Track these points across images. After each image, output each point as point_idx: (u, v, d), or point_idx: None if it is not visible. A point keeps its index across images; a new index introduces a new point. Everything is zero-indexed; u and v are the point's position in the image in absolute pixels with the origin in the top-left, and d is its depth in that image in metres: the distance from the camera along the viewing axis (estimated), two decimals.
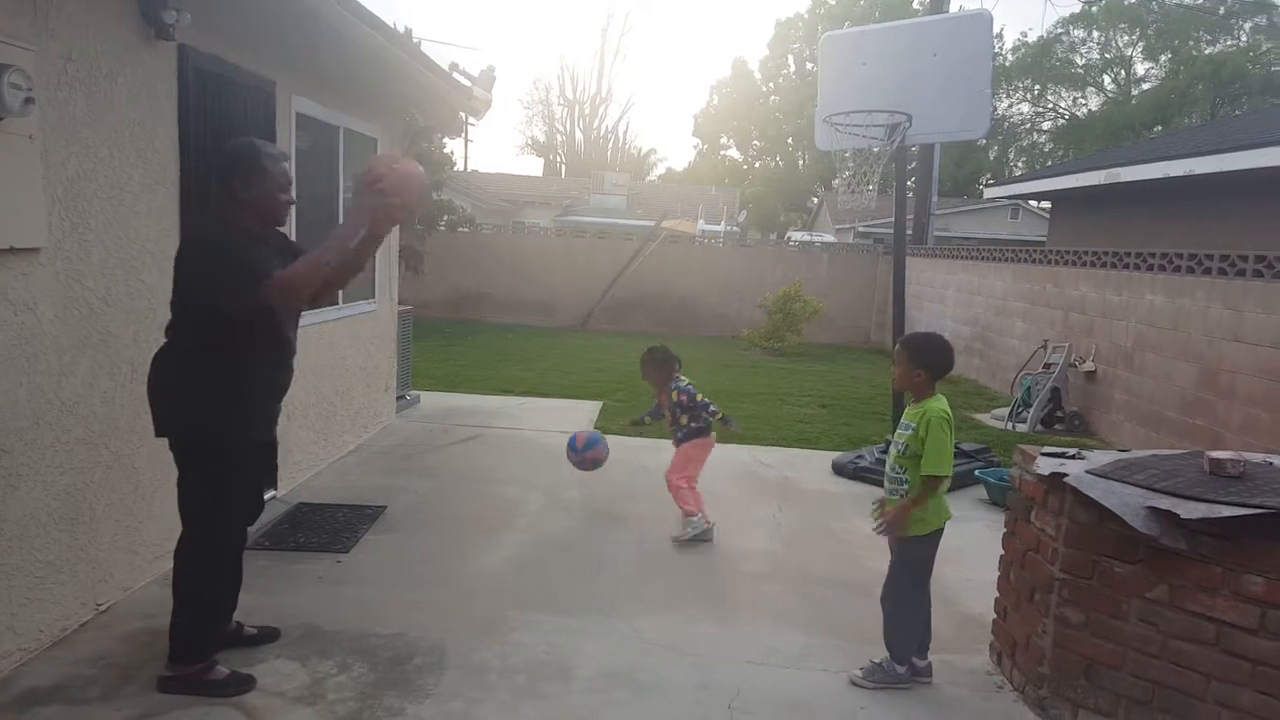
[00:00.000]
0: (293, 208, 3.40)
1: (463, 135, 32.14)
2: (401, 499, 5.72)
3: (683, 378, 5.53)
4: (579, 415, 8.61)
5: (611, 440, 7.73)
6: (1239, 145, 9.84)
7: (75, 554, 3.63)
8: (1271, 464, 3.41)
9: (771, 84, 47.41)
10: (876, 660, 3.66)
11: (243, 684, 3.30)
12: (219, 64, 4.53)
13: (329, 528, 5.08)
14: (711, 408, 5.44)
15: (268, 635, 3.68)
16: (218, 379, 3.14)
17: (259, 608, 3.84)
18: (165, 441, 3.26)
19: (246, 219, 3.23)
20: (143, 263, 3.96)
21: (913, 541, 3.60)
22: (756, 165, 48.80)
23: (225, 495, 3.27)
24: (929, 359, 3.61)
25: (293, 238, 5.40)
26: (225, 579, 3.43)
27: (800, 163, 46.05)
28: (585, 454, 5.66)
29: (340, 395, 6.53)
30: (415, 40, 9.18)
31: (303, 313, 3.62)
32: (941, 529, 3.63)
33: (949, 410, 3.55)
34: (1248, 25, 34.17)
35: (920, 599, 3.70)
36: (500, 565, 4.77)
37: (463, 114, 10.09)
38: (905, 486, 3.56)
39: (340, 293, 6.39)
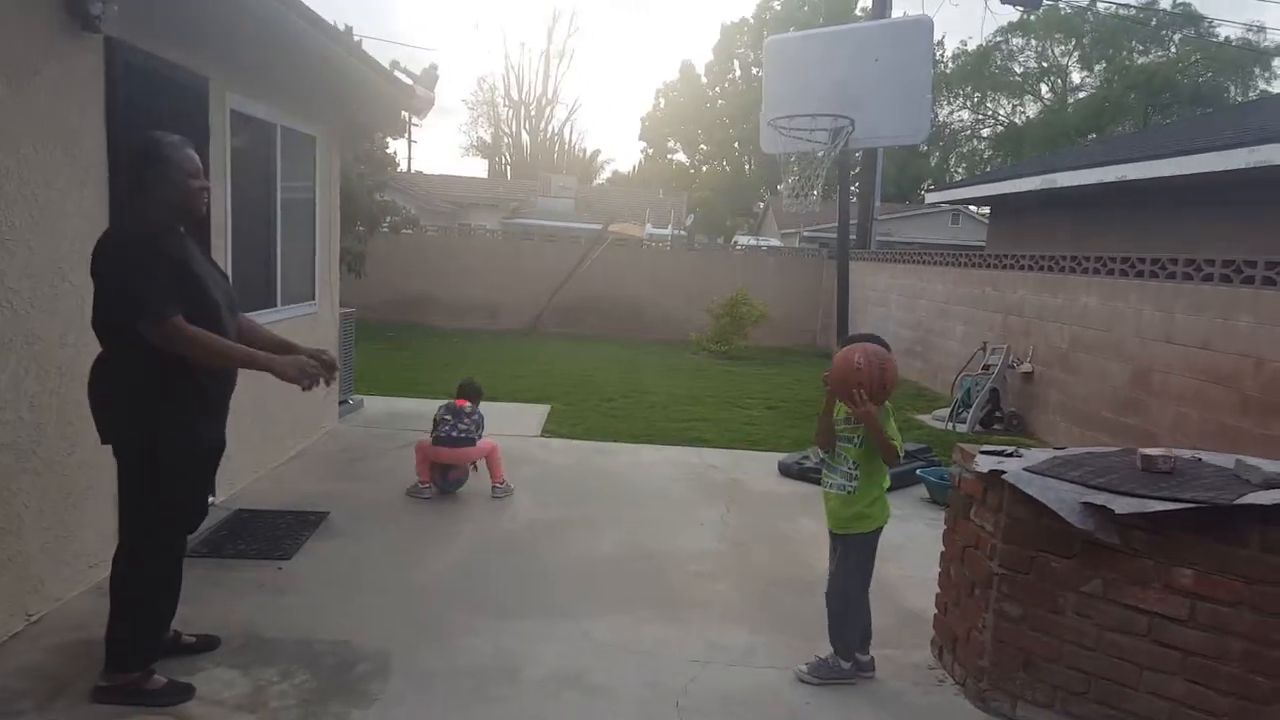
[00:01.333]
0: (206, 194, 3.28)
1: (406, 135, 31.86)
2: (344, 505, 5.62)
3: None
4: (527, 419, 8.55)
5: (560, 443, 7.78)
6: (1169, 152, 10.15)
7: (3, 564, 3.51)
8: (1200, 460, 3.52)
9: (718, 88, 47.72)
10: (822, 656, 3.70)
11: (181, 693, 3.23)
12: (149, 59, 4.41)
13: (270, 534, 4.98)
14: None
15: (207, 644, 3.60)
16: (158, 385, 3.06)
17: (198, 616, 3.74)
18: (98, 448, 3.17)
19: (164, 214, 3.14)
20: (70, 263, 3.84)
21: (859, 538, 3.65)
22: (704, 169, 49.07)
23: (169, 504, 3.19)
24: None
25: (228, 234, 5.34)
26: (165, 587, 3.35)
27: (747, 167, 46.45)
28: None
29: (280, 399, 6.39)
30: (356, 38, 9.07)
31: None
32: (884, 526, 3.68)
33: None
34: (1177, 37, 35.36)
35: (865, 595, 3.74)
36: (446, 570, 4.72)
37: (405, 113, 9.99)
38: (857, 483, 3.60)
39: (279, 293, 6.29)
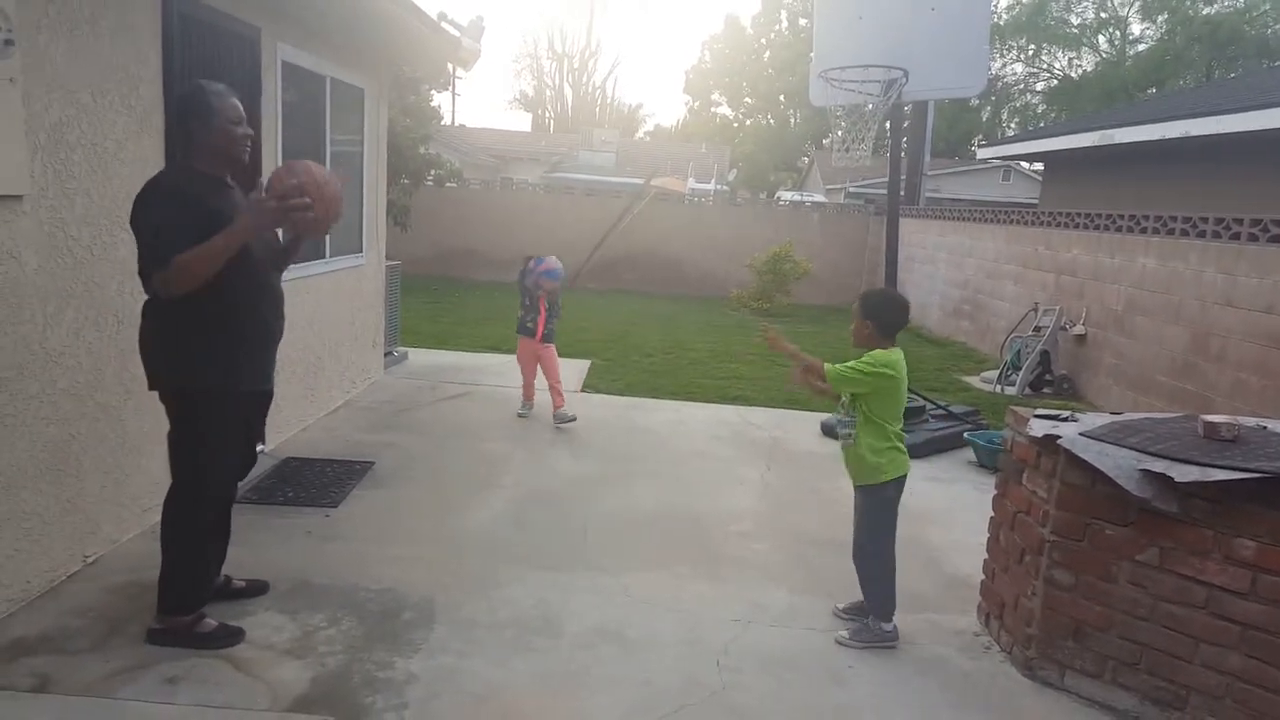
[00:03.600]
0: (249, 141, 3.25)
1: (450, 88, 31.67)
2: (390, 455, 5.69)
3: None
4: (567, 373, 8.55)
5: (600, 399, 7.80)
6: (1235, 107, 9.78)
7: (62, 506, 3.60)
8: (1266, 428, 3.42)
9: (764, 40, 46.82)
10: (863, 620, 3.68)
11: (232, 636, 3.29)
12: (203, 9, 4.41)
13: (317, 482, 5.06)
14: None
15: (257, 588, 3.67)
16: (202, 329, 3.08)
17: (248, 561, 3.82)
18: (154, 395, 3.21)
19: (209, 163, 3.15)
20: (127, 212, 3.83)
21: (872, 490, 3.62)
22: (748, 123, 48.33)
23: (216, 448, 3.23)
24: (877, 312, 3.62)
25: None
26: (214, 532, 3.41)
27: (792, 121, 45.64)
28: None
29: (328, 350, 6.47)
30: None
31: (289, 263, 3.56)
32: (900, 480, 3.61)
33: (890, 364, 3.48)
34: None
35: (889, 552, 3.69)
36: (489, 521, 4.76)
37: (450, 65, 9.93)
38: (854, 430, 3.59)
39: (328, 245, 6.32)
